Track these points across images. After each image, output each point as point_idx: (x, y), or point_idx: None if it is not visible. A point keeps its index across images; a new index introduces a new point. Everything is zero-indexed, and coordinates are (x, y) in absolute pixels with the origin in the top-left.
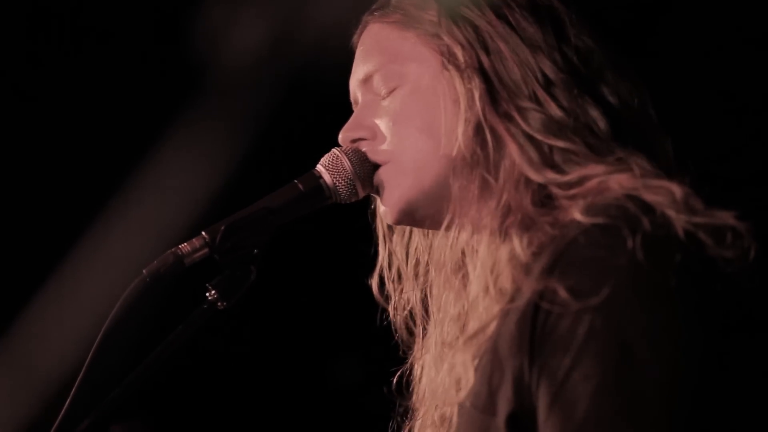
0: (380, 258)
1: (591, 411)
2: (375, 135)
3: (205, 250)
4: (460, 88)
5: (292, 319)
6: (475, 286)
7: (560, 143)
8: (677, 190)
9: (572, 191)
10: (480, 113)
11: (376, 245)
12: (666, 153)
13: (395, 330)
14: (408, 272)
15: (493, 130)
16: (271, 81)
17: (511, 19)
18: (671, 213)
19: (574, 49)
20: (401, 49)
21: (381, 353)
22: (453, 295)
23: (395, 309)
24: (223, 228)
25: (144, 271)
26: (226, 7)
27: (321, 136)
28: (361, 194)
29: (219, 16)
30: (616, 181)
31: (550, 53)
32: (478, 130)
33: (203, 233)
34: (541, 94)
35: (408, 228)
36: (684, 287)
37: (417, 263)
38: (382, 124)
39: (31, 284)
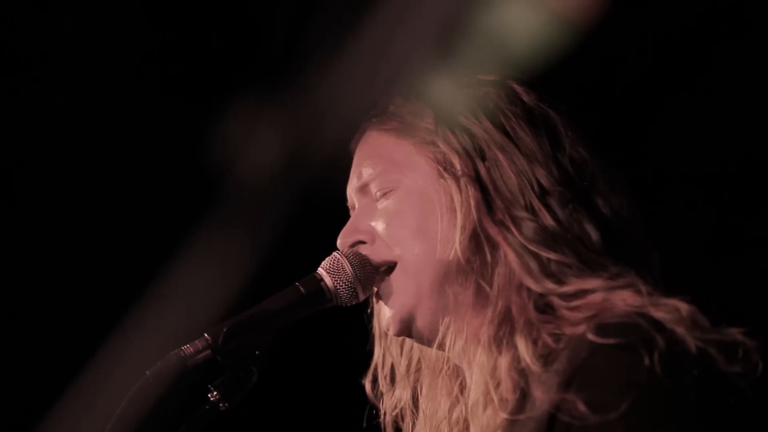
0: (375, 357)
1: None
2: (373, 238)
3: (208, 351)
4: (456, 196)
5: (282, 418)
6: (474, 393)
7: (553, 255)
8: (684, 307)
9: (574, 303)
10: (476, 221)
11: (371, 344)
12: (654, 266)
13: (384, 429)
14: (401, 371)
15: (488, 238)
16: (285, 194)
17: (507, 127)
18: (681, 330)
19: (569, 159)
20: (397, 156)
21: None
22: (449, 399)
23: (386, 408)
24: (225, 329)
25: (147, 372)
26: (244, 125)
27: (332, 245)
28: (362, 297)
29: (238, 132)
30: (620, 298)
31: (546, 163)
32: (474, 237)
33: (206, 335)
34: (537, 203)
35: None
36: (702, 401)
37: (409, 363)
38: (378, 226)
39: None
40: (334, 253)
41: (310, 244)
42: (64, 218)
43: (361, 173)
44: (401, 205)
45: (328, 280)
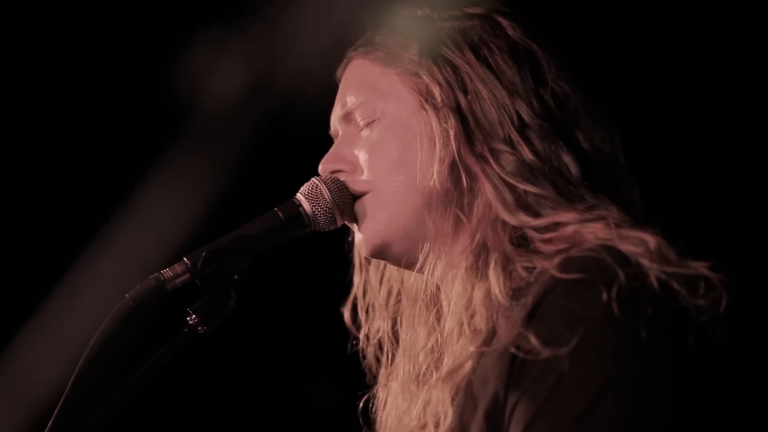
0: (354, 287)
1: None
2: (354, 166)
3: (187, 275)
4: (436, 127)
5: (265, 342)
6: (449, 322)
7: (531, 188)
8: (651, 240)
9: (547, 235)
10: (455, 152)
11: (351, 274)
12: (634, 201)
13: (363, 357)
14: (380, 301)
15: (467, 170)
16: (250, 121)
17: (490, 60)
18: (645, 263)
19: (551, 93)
20: (381, 85)
21: (352, 377)
22: (426, 328)
23: (366, 337)
24: (204, 254)
25: (126, 295)
26: (207, 53)
27: (298, 171)
28: (340, 223)
29: (201, 61)
30: (590, 230)
31: (527, 97)
32: (453, 168)
33: (185, 259)
34: (516, 137)
35: None
36: (655, 339)
37: (389, 293)
38: (361, 155)
39: (19, 309)
40: (313, 179)
41: (273, 172)
42: (29, 146)
43: (345, 101)
44: (383, 136)
45: (306, 206)
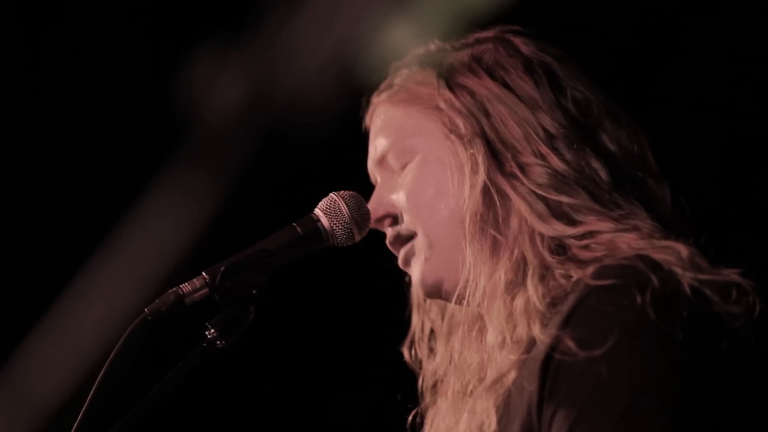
0: (414, 324)
1: None
2: (396, 212)
3: (205, 290)
4: (463, 155)
5: (293, 355)
6: (492, 337)
7: (564, 198)
8: (683, 249)
9: (584, 241)
10: (485, 176)
11: (408, 313)
12: (665, 199)
13: (422, 394)
14: (437, 330)
15: (499, 191)
16: (249, 134)
17: (507, 80)
18: (678, 270)
19: (571, 101)
20: (406, 125)
21: (381, 392)
22: (472, 348)
23: (425, 373)
24: (223, 268)
25: (146, 309)
26: (208, 66)
27: (297, 184)
28: (358, 238)
29: (201, 73)
30: (624, 240)
31: (549, 108)
32: (485, 192)
33: (203, 273)
34: (543, 149)
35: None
36: (690, 341)
37: (441, 319)
38: (400, 199)
39: (22, 319)
40: (331, 194)
41: (273, 184)
42: (29, 159)
43: (376, 146)
44: (417, 176)
45: (324, 221)
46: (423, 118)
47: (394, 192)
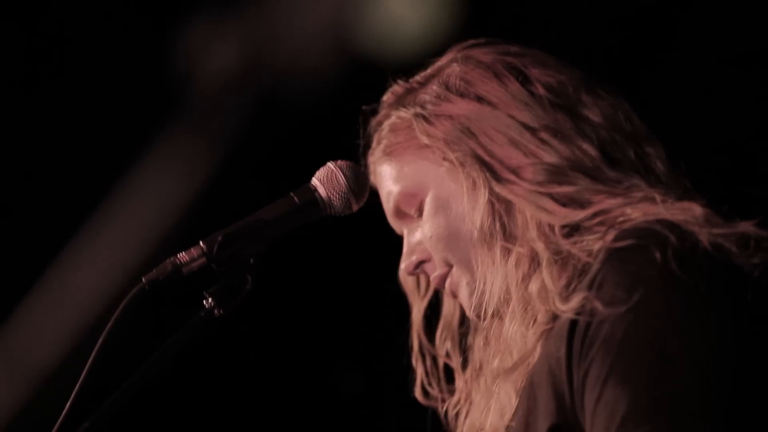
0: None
1: (631, 411)
2: (428, 254)
3: (203, 259)
4: (461, 178)
5: (296, 326)
6: (512, 327)
7: (568, 188)
8: (697, 208)
9: (598, 219)
10: (485, 193)
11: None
12: (661, 159)
13: (447, 425)
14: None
15: (501, 200)
16: (246, 100)
17: (478, 93)
18: (695, 228)
19: (543, 88)
20: (406, 172)
21: (383, 363)
22: (492, 341)
23: (449, 405)
24: (220, 238)
25: (143, 278)
26: (204, 31)
27: (291, 152)
28: (355, 208)
29: (198, 39)
30: (638, 209)
31: (524, 105)
32: (490, 205)
33: (201, 243)
34: (532, 147)
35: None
36: (714, 292)
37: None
38: (426, 242)
39: (25, 286)
40: (328, 164)
41: (266, 151)
42: (23, 128)
43: (388, 202)
44: (431, 215)
45: (321, 191)
46: (417, 159)
47: (420, 236)
